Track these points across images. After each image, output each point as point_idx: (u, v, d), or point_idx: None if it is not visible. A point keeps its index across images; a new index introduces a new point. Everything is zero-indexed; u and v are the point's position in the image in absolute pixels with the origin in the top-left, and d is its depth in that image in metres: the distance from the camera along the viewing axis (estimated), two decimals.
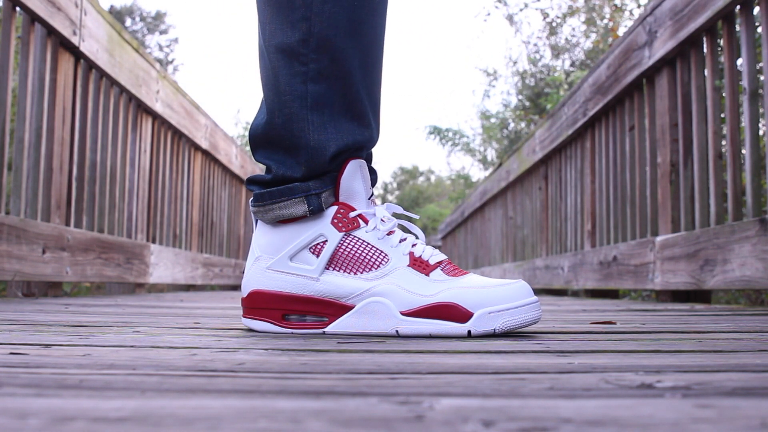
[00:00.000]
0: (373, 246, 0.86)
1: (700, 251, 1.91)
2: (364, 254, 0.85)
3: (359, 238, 0.86)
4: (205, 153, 3.76)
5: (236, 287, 4.47)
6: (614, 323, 1.06)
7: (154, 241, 3.04)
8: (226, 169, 4.23)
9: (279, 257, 0.87)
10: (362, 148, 0.89)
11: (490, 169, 8.39)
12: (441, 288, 0.82)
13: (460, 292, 0.81)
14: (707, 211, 1.98)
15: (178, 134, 3.33)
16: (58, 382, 0.42)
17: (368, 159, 0.94)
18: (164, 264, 3.08)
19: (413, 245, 0.87)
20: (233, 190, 4.47)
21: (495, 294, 0.81)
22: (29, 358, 0.54)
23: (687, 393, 0.40)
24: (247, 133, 14.04)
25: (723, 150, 2.00)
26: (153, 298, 2.22)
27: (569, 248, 3.34)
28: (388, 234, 0.87)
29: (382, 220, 0.88)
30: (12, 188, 1.94)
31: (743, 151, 1.83)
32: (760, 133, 2.87)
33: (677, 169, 2.18)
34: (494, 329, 0.79)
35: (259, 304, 0.87)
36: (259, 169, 5.12)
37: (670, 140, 2.20)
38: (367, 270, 0.85)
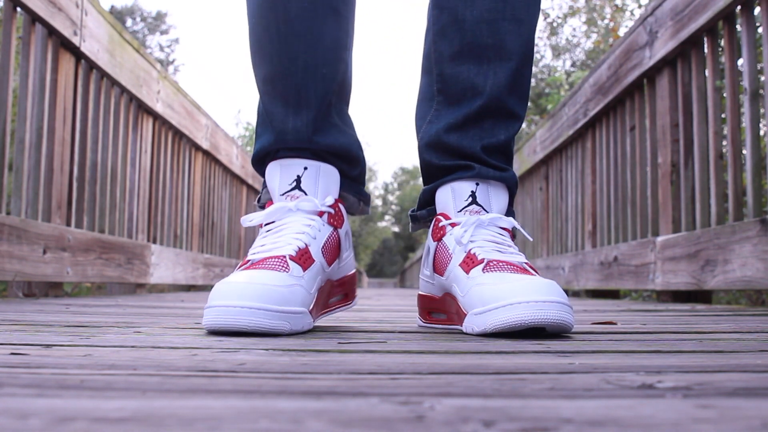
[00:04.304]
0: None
1: (701, 251, 1.91)
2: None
3: None
4: (206, 153, 3.76)
5: None
6: (615, 323, 1.06)
7: (154, 242, 3.04)
8: (226, 170, 4.23)
9: None
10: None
11: None
12: None
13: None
14: (708, 212, 1.98)
15: (178, 134, 3.33)
16: (58, 382, 0.42)
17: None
18: (165, 264, 3.09)
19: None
20: (234, 191, 4.47)
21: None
22: (30, 358, 0.54)
23: (688, 393, 0.40)
24: (247, 133, 14.09)
25: (724, 150, 2.00)
26: (154, 299, 2.22)
27: (570, 248, 3.33)
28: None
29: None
30: (13, 188, 1.94)
31: (744, 152, 1.83)
32: (761, 133, 2.87)
33: (678, 170, 2.18)
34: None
35: None
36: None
37: (671, 140, 2.20)
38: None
